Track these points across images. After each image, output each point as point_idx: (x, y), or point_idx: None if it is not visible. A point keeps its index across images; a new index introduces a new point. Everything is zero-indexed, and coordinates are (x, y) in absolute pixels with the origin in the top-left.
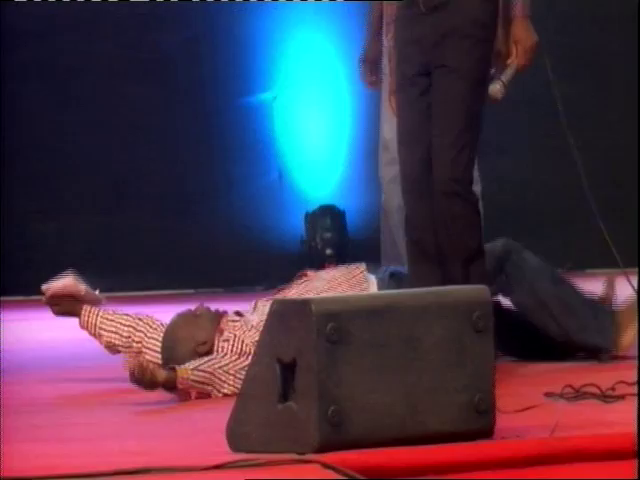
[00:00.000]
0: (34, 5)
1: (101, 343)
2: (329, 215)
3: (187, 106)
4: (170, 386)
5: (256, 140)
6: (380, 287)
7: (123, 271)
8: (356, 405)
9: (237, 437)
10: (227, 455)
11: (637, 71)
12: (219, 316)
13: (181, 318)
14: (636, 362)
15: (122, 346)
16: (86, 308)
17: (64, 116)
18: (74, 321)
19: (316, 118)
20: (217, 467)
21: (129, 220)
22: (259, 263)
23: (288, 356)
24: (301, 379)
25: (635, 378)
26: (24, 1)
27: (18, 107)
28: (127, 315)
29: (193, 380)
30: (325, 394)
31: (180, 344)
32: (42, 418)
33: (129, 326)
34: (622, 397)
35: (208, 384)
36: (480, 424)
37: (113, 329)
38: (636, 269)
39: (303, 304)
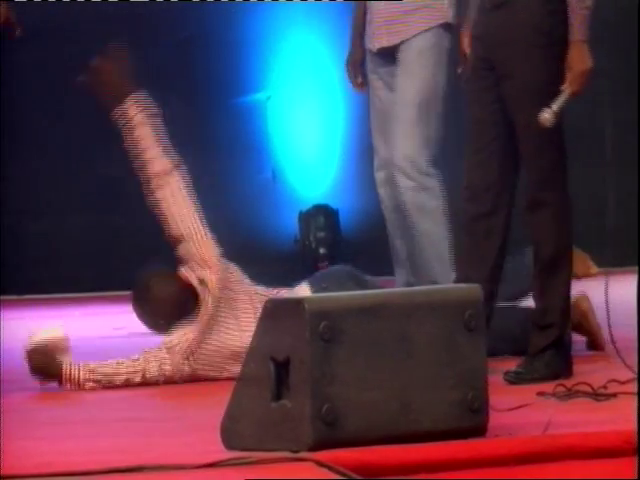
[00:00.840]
0: (32, 4)
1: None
2: (322, 214)
3: (180, 106)
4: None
5: (250, 140)
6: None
7: (116, 270)
8: (350, 403)
9: (231, 435)
10: (221, 453)
11: (637, 72)
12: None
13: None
14: (636, 362)
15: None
16: (66, 364)
17: (59, 115)
18: (71, 320)
19: (309, 118)
20: (211, 465)
21: (122, 219)
22: (253, 262)
23: (282, 354)
24: (295, 377)
25: (630, 376)
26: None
27: (14, 106)
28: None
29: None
30: (319, 392)
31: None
32: (37, 417)
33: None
34: (614, 395)
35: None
36: (473, 422)
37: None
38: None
39: (296, 303)
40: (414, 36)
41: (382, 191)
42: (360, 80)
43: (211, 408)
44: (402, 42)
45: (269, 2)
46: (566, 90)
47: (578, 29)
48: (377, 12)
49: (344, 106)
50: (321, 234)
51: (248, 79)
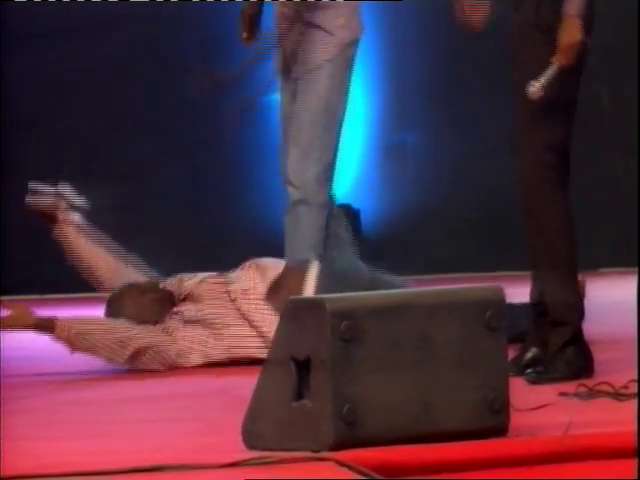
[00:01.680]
0: (48, 5)
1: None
2: (344, 214)
3: (201, 106)
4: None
5: (271, 140)
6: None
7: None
8: (370, 403)
9: (252, 435)
10: (242, 453)
11: (637, 71)
12: (167, 297)
13: (129, 294)
14: (636, 362)
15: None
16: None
17: (77, 115)
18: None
19: None
20: (232, 465)
21: (142, 221)
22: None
23: (303, 354)
24: (316, 377)
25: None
26: (36, 1)
27: (27, 107)
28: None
29: (73, 340)
30: (339, 392)
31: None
32: (56, 416)
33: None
34: (635, 395)
35: (90, 349)
36: (494, 422)
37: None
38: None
39: (317, 303)
40: (317, 67)
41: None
42: (249, 35)
43: (232, 408)
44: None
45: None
46: (555, 63)
47: (571, 3)
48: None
49: (364, 105)
50: None
51: (270, 79)
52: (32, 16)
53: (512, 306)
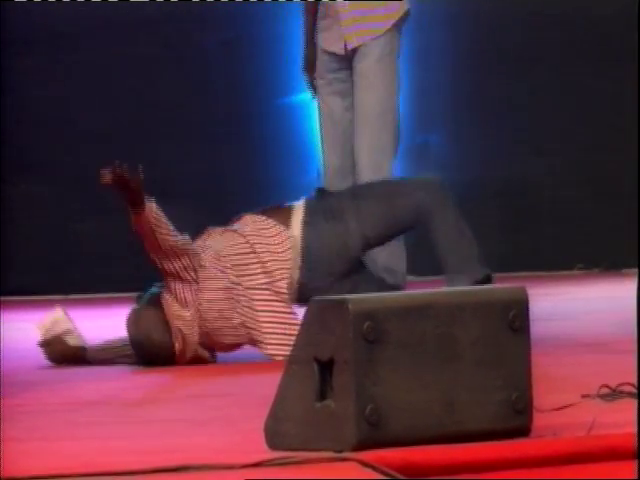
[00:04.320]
0: (73, 4)
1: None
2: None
3: (226, 106)
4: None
5: (295, 140)
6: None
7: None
8: (393, 403)
9: (275, 435)
10: (265, 453)
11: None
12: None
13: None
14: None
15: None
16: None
17: (102, 116)
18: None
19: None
20: (255, 465)
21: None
22: None
23: (326, 355)
24: (339, 378)
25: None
26: (61, 1)
27: (45, 108)
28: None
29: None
30: (363, 393)
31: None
32: (80, 417)
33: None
34: None
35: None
36: (517, 422)
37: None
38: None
39: (340, 303)
40: (372, 40)
41: None
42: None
43: (255, 408)
44: (359, 47)
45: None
46: None
47: None
48: (335, 14)
49: None
50: None
51: (293, 79)
52: (55, 16)
53: None
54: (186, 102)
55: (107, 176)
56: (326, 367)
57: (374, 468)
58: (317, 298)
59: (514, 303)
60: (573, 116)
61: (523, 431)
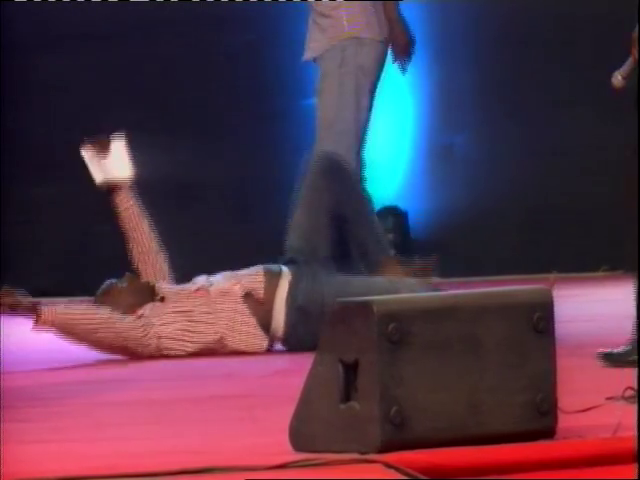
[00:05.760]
0: (97, 5)
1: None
2: (391, 216)
3: (250, 108)
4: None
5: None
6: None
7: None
8: (418, 405)
9: (300, 437)
10: (290, 455)
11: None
12: (149, 288)
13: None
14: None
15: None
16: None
17: (124, 116)
18: None
19: (378, 119)
20: (280, 466)
21: (193, 222)
22: None
23: (350, 357)
24: (363, 379)
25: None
26: (92, 2)
27: (66, 109)
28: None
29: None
30: (387, 394)
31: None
32: (101, 418)
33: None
34: None
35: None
36: (542, 424)
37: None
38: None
39: (365, 305)
40: (322, 53)
41: None
42: None
43: (279, 409)
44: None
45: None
46: (631, 56)
47: None
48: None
49: (413, 106)
50: (389, 236)
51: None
52: (79, 17)
53: None
54: (209, 103)
55: None
56: (351, 368)
57: (398, 470)
58: (342, 300)
59: (539, 305)
60: (599, 115)
61: (548, 433)
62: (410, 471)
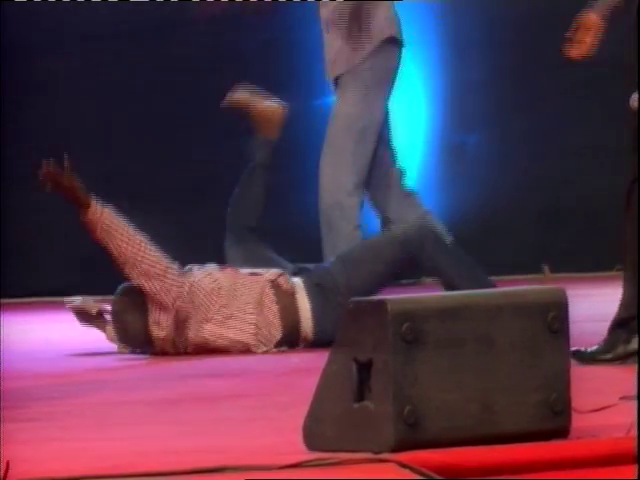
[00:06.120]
0: (113, 5)
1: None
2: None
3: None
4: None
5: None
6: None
7: None
8: (432, 404)
9: (313, 436)
10: (303, 454)
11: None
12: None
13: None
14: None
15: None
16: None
17: (137, 117)
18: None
19: (394, 118)
20: (293, 466)
21: (207, 219)
22: None
23: (364, 356)
24: (377, 379)
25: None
26: (109, 2)
27: (81, 109)
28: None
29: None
30: (401, 393)
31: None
32: (114, 417)
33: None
34: None
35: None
36: (555, 424)
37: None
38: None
39: (379, 304)
40: (353, 67)
41: None
42: None
43: (293, 408)
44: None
45: None
46: None
47: None
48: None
49: (427, 105)
50: None
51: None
52: (90, 17)
53: None
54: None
55: (41, 176)
56: (364, 368)
57: (412, 469)
58: (355, 299)
59: (553, 304)
60: (614, 115)
61: (562, 432)
62: (424, 470)
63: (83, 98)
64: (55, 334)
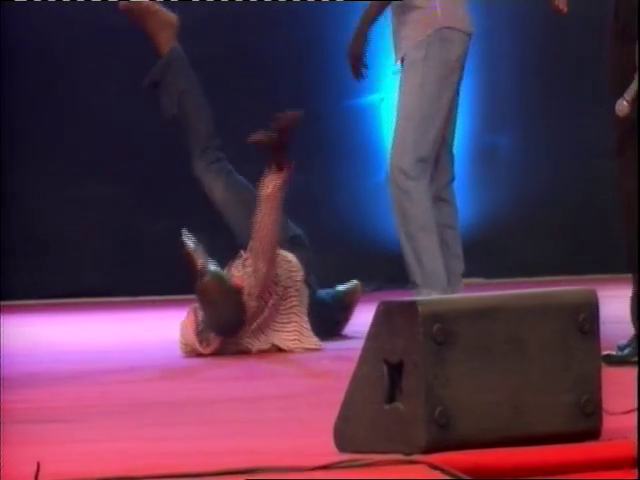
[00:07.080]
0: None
1: None
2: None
3: (294, 108)
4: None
5: (363, 142)
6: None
7: None
8: (462, 406)
9: (344, 437)
10: (334, 455)
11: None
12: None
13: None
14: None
15: None
16: None
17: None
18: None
19: None
20: (324, 467)
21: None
22: (366, 264)
23: (395, 357)
24: (408, 380)
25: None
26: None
27: (105, 109)
28: None
29: None
30: (432, 395)
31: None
32: (146, 418)
33: None
34: None
35: None
36: (587, 425)
37: None
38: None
39: (409, 305)
40: (408, 51)
41: None
42: (355, 75)
43: (324, 410)
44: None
45: None
46: (635, 79)
47: None
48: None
49: (457, 107)
50: None
51: (362, 81)
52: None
53: None
54: (254, 103)
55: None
56: (395, 369)
57: (443, 471)
58: (386, 300)
59: (584, 306)
60: None
61: (593, 434)
62: (455, 472)
63: (112, 98)
64: (84, 334)
